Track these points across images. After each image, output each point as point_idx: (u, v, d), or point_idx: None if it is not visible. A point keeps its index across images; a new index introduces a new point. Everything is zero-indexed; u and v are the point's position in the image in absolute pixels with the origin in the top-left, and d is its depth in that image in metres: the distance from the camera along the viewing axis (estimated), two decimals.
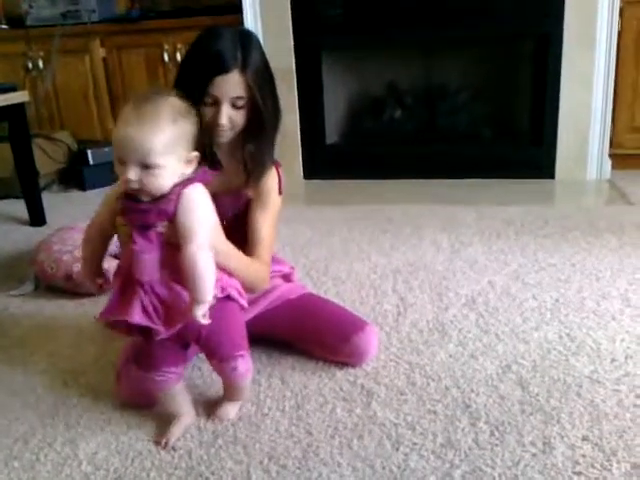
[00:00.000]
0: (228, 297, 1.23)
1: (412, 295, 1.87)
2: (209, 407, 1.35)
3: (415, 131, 3.24)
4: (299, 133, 3.21)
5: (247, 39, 1.32)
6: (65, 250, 2.01)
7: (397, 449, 1.21)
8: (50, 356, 1.63)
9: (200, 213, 1.13)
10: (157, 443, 1.26)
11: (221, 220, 1.25)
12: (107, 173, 2.85)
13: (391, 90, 3.29)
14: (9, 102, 2.59)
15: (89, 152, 3.33)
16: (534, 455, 1.17)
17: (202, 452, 1.23)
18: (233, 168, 1.41)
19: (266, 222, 1.43)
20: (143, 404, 1.35)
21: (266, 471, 1.17)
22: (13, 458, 1.25)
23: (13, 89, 2.66)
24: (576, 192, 2.84)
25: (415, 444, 1.22)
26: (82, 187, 3.28)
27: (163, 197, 1.11)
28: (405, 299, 1.84)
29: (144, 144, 1.07)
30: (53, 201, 2.92)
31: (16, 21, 3.59)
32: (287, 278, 1.64)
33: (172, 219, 1.12)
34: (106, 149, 3.31)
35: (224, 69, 1.27)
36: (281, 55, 3.09)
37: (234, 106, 1.30)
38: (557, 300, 1.77)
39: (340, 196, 2.99)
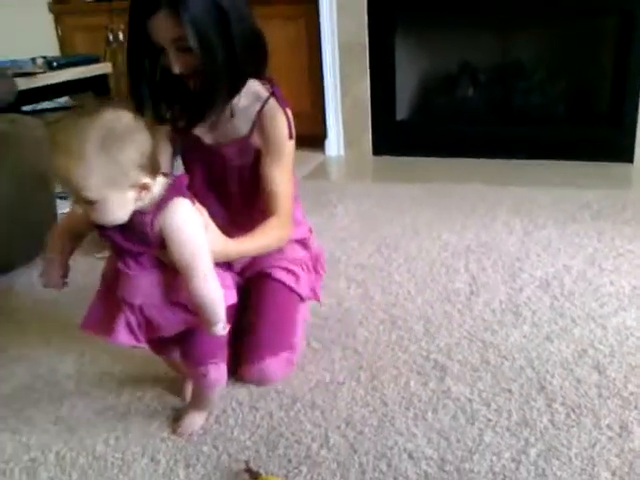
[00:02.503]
0: None
1: (484, 275, 1.87)
2: (176, 416, 1.30)
3: (488, 110, 3.18)
4: (370, 108, 3.21)
5: None
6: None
7: (472, 424, 1.24)
8: None
9: (191, 242, 1.03)
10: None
11: (227, 169, 1.20)
12: None
13: (464, 67, 3.23)
14: (93, 73, 2.71)
15: None
16: (611, 438, 1.18)
17: (282, 414, 1.30)
18: (229, 115, 1.32)
19: (280, 173, 1.32)
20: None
21: (343, 436, 1.22)
22: (107, 409, 1.35)
23: (96, 60, 2.77)
24: None
25: (490, 420, 1.24)
26: None
27: (140, 227, 1.01)
28: (477, 278, 1.85)
29: (75, 181, 0.93)
30: None
31: None
32: (302, 243, 1.50)
33: (160, 246, 1.03)
34: None
35: (149, 9, 1.15)
36: (355, 30, 3.09)
37: (182, 49, 1.18)
38: (635, 287, 1.74)
39: (409, 173, 2.99)
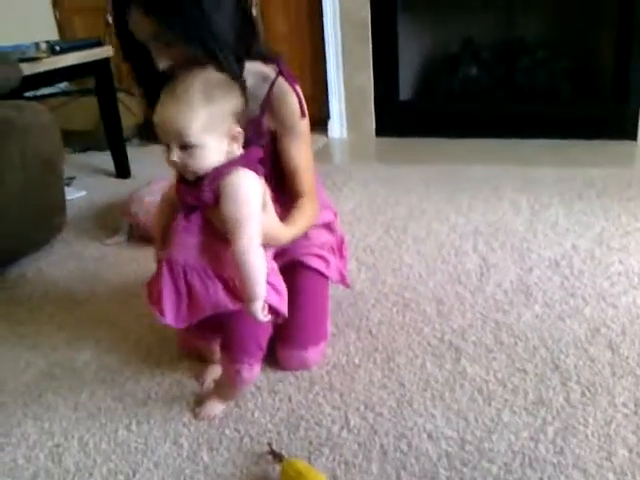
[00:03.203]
0: None
1: (494, 255, 1.88)
2: (197, 401, 1.31)
3: (492, 88, 3.17)
4: (372, 89, 3.20)
5: None
6: (157, 202, 2.10)
7: (489, 404, 1.26)
8: None
9: (246, 204, 1.07)
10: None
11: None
12: None
13: (467, 46, 3.22)
14: (95, 57, 2.68)
15: None
16: (626, 416, 1.20)
17: (301, 397, 1.31)
18: None
19: (298, 151, 1.31)
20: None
21: (363, 418, 1.24)
22: (127, 395, 1.36)
23: (99, 44, 2.74)
24: None
25: (507, 400, 1.26)
26: None
27: (206, 180, 1.08)
28: (487, 259, 1.86)
29: (179, 126, 1.03)
30: (135, 154, 3.02)
31: None
32: (328, 226, 1.50)
33: (212, 205, 1.08)
34: None
35: (121, 8, 1.13)
36: (357, 9, 3.06)
37: (163, 45, 1.14)
38: None
39: (414, 154, 2.99)
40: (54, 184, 2.07)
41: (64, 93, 3.40)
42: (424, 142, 3.12)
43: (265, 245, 1.12)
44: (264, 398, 1.31)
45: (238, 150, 1.12)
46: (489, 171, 2.61)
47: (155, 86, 1.22)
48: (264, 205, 1.15)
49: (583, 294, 1.63)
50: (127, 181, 2.86)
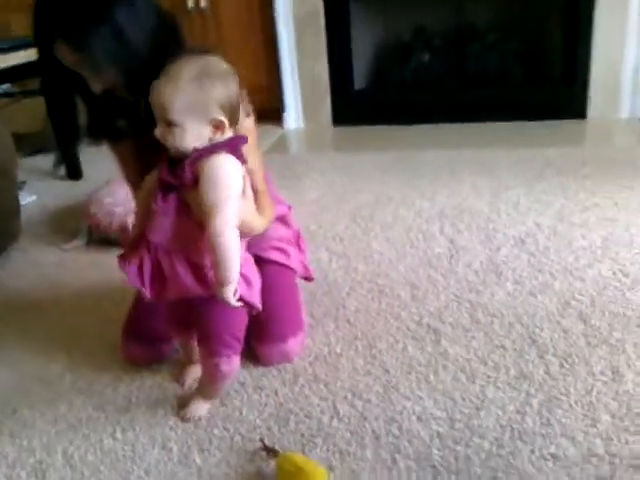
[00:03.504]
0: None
1: (461, 237, 1.91)
2: (181, 403, 1.29)
3: (444, 76, 3.21)
4: (328, 79, 3.19)
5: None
6: (117, 203, 2.04)
7: (473, 382, 1.28)
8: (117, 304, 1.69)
9: (223, 186, 1.07)
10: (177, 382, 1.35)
11: None
12: None
13: (419, 34, 3.24)
14: None
15: None
16: (605, 383, 1.24)
17: (287, 390, 1.30)
18: None
19: (248, 148, 1.24)
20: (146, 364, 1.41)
21: (352, 405, 1.24)
22: (107, 403, 1.32)
23: None
24: (610, 131, 2.85)
25: (489, 377, 1.29)
26: None
27: (187, 160, 1.08)
28: (455, 241, 1.89)
29: (163, 100, 1.06)
30: (85, 155, 2.91)
31: None
32: (283, 220, 1.48)
33: (190, 186, 1.08)
34: None
35: (47, 40, 1.14)
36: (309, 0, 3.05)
37: (91, 71, 1.16)
38: (606, 239, 1.82)
39: (371, 142, 3.00)
40: (7, 190, 1.99)
41: (5, 95, 3.27)
42: (380, 130, 3.14)
43: (240, 235, 1.11)
44: (249, 394, 1.30)
45: (221, 139, 1.11)
46: (446, 156, 2.65)
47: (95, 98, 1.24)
48: (243, 192, 1.14)
49: (550, 269, 1.68)
50: (79, 183, 2.76)
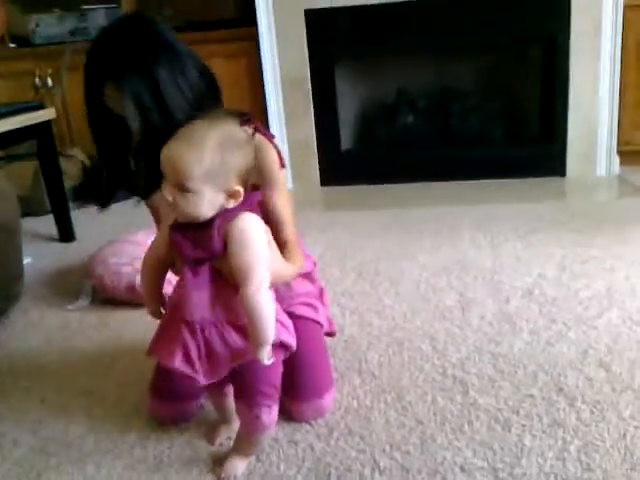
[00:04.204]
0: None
1: (470, 290, 1.95)
2: (216, 461, 1.26)
3: (428, 135, 3.34)
4: (315, 140, 3.28)
5: (121, 41, 1.22)
6: (122, 262, 2.03)
7: (509, 431, 1.29)
8: (133, 365, 1.66)
9: (253, 248, 1.06)
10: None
11: None
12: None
13: (403, 96, 3.38)
14: (38, 120, 2.60)
15: None
16: (637, 427, 1.26)
17: (323, 444, 1.29)
18: None
19: (282, 200, 1.30)
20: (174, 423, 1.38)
21: (391, 458, 1.23)
22: (138, 462, 1.28)
23: (40, 107, 2.66)
24: (590, 188, 2.98)
25: (524, 425, 1.30)
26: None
27: (208, 230, 1.06)
28: (464, 294, 1.92)
29: (182, 166, 1.03)
30: (75, 217, 2.89)
31: (23, 40, 3.57)
32: (309, 277, 1.49)
33: (222, 254, 1.07)
34: None
35: (97, 84, 1.23)
36: (296, 65, 3.17)
37: (134, 112, 1.21)
38: (609, 288, 1.88)
39: (362, 201, 3.07)
40: (12, 251, 1.97)
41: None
42: (368, 189, 3.22)
43: (270, 284, 1.11)
44: (285, 449, 1.28)
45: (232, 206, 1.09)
46: (439, 212, 2.73)
47: (117, 155, 1.32)
48: (269, 242, 1.15)
49: (563, 319, 1.72)
50: (72, 244, 2.74)
